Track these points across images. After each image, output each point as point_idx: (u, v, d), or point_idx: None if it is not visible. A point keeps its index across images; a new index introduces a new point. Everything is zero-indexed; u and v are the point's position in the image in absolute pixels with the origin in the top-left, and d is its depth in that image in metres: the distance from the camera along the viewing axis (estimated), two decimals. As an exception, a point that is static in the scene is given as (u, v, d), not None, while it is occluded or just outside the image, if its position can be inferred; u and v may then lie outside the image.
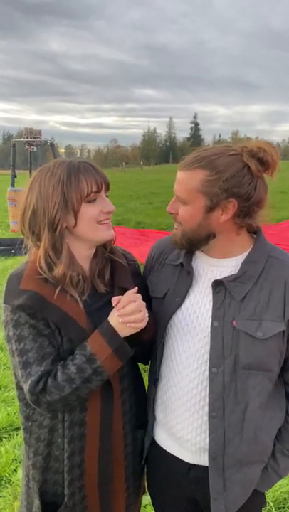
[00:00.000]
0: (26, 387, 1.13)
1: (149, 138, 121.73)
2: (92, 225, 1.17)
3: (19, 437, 2.76)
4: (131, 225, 10.78)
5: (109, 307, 1.17)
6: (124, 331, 1.14)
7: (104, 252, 1.29)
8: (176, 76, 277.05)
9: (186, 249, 1.24)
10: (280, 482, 2.45)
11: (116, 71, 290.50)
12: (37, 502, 1.25)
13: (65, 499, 1.24)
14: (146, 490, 1.50)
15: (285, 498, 2.35)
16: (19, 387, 1.24)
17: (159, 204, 14.73)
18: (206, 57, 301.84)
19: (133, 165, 75.54)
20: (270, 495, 2.36)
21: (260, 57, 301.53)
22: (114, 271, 1.29)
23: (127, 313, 1.13)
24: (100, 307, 1.23)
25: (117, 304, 1.14)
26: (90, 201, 1.16)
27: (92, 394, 1.19)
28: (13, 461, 2.60)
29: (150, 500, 1.51)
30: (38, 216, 1.15)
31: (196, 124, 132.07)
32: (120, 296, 1.15)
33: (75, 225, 1.17)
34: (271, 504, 2.30)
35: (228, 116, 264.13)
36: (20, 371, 1.15)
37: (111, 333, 1.13)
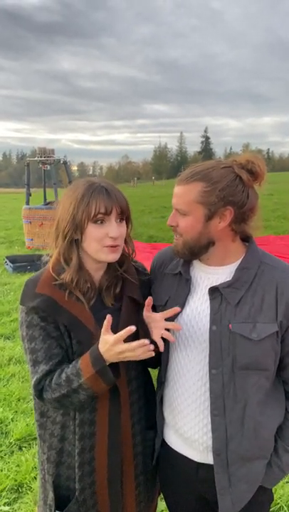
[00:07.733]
0: (32, 382, 1.25)
1: (160, 153, 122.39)
2: (96, 246, 1.25)
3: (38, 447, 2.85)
4: (143, 239, 10.82)
5: (114, 315, 1.24)
6: (110, 359, 1.17)
7: (117, 270, 1.36)
8: (187, 90, 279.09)
9: (187, 257, 1.33)
10: (293, 486, 2.50)
11: (127, 88, 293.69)
12: (51, 494, 1.33)
13: (76, 493, 1.31)
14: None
15: (298, 501, 2.38)
16: None
17: (171, 218, 14.65)
18: (217, 70, 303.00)
19: (145, 180, 75.88)
20: (284, 499, 2.39)
21: (271, 69, 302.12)
22: (124, 285, 1.37)
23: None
24: (106, 314, 1.30)
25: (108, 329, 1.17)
26: (96, 222, 1.23)
27: (101, 396, 1.27)
28: (32, 469, 2.67)
29: (166, 506, 1.54)
30: (58, 226, 1.28)
31: (207, 138, 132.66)
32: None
33: (82, 240, 1.27)
34: (285, 508, 2.33)
35: (239, 129, 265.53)
36: (30, 368, 1.27)
37: (96, 355, 1.17)
